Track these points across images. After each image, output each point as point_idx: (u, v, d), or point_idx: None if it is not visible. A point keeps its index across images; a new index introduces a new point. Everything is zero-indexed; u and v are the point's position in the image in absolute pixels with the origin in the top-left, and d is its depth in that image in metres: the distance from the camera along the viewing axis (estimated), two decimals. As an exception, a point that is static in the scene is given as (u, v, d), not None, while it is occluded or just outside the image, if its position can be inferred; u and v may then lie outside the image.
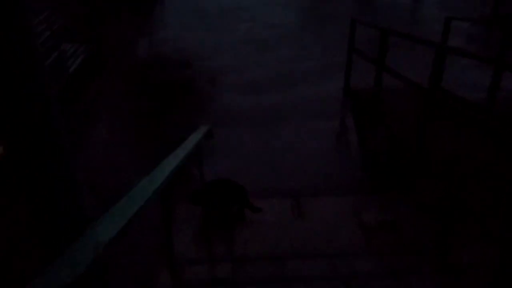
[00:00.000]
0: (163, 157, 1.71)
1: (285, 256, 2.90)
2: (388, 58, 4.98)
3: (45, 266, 0.68)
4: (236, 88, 6.97)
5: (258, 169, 4.54)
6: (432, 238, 3.04)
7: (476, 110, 3.80)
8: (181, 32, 9.90)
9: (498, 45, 4.65)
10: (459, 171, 3.56)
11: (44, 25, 5.95)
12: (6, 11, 0.71)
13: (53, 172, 0.78)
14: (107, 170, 4.41)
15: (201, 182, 2.72)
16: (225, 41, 9.30)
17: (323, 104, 6.26)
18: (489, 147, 3.85)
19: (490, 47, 7.91)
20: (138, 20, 10.50)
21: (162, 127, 5.59)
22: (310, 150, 4.96)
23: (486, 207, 3.13)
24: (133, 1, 11.30)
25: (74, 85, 6.15)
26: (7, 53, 0.71)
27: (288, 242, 3.10)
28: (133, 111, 6.17)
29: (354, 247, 3.02)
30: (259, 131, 5.49)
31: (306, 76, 7.35)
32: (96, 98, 6.55)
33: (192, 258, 2.91)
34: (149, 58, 8.56)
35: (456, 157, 3.74)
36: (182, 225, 3.24)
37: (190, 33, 9.87)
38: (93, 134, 5.59)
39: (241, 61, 8.20)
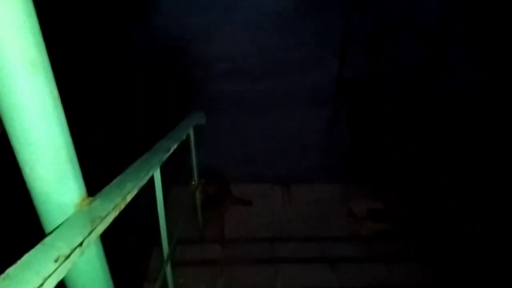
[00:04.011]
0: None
1: (273, 239, 2.96)
2: (382, 47, 5.00)
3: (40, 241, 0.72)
4: (229, 75, 6.95)
5: (249, 155, 4.58)
6: (419, 228, 3.12)
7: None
8: (176, 20, 9.80)
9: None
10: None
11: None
12: None
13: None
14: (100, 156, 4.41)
15: (194, 167, 2.75)
16: (219, 28, 9.24)
17: (315, 92, 6.28)
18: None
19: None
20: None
21: (155, 113, 5.58)
22: (301, 138, 5.01)
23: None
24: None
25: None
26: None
27: (277, 226, 3.16)
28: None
29: (342, 233, 3.09)
30: (251, 118, 5.51)
31: (300, 63, 7.36)
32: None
33: (184, 238, 2.97)
34: (144, 45, 8.47)
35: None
36: (175, 207, 3.29)
37: (184, 20, 9.77)
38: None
39: (235, 48, 8.17)
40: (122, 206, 0.96)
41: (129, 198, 1.02)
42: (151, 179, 1.45)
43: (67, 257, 0.66)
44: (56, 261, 0.64)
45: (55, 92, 0.79)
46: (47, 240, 0.71)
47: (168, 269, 1.82)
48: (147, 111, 5.70)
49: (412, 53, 5.82)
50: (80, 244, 0.71)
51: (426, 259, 2.71)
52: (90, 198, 0.94)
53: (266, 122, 5.41)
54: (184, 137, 1.99)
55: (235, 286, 2.49)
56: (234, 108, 5.81)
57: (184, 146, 2.63)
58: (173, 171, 3.53)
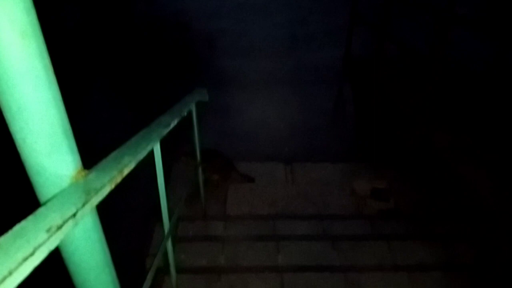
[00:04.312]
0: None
1: (275, 216, 2.97)
2: (391, 25, 4.87)
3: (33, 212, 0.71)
4: (234, 52, 6.87)
5: (252, 133, 4.57)
6: (422, 207, 3.12)
7: (477, 80, 3.78)
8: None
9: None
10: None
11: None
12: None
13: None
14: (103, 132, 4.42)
15: (197, 144, 2.74)
16: (224, 5, 9.08)
17: (321, 71, 6.20)
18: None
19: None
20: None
21: (158, 90, 5.55)
22: (306, 116, 4.97)
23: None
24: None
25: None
26: None
27: (280, 204, 3.17)
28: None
29: (344, 212, 3.09)
30: (255, 96, 5.47)
31: (305, 42, 7.24)
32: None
33: (186, 215, 3.00)
34: (146, 19, 8.36)
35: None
36: (177, 184, 3.31)
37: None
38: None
39: (240, 25, 8.04)
40: (119, 179, 0.96)
41: (126, 171, 1.01)
42: (151, 154, 1.45)
43: (59, 227, 0.65)
44: (48, 231, 0.63)
45: (47, 60, 0.77)
46: (39, 210, 0.70)
47: (169, 244, 1.83)
48: (148, 87, 5.67)
49: (420, 30, 5.69)
50: (74, 215, 0.71)
51: (429, 238, 2.71)
52: (86, 171, 0.93)
53: (270, 100, 5.37)
54: (186, 113, 1.97)
55: (237, 262, 2.51)
56: (237, 85, 5.76)
57: (187, 123, 2.62)
58: (176, 148, 3.58)
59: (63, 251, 0.93)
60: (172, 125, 1.59)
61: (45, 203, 0.74)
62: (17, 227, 0.63)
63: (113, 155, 1.08)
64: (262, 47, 7.04)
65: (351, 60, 6.10)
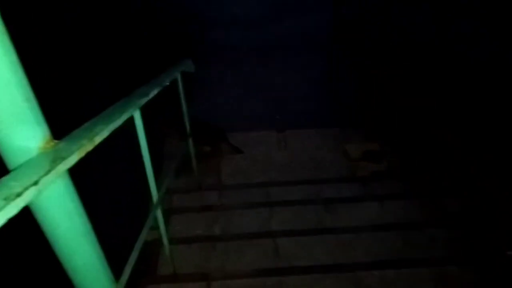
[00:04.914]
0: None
1: (269, 184, 2.99)
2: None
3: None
4: (221, 24, 6.70)
5: (244, 105, 4.52)
6: (413, 168, 3.13)
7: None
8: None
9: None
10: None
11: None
12: None
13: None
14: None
15: (185, 114, 2.71)
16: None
17: (310, 38, 6.06)
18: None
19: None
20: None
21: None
22: (297, 84, 4.91)
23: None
24: None
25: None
26: None
27: (273, 171, 3.18)
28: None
29: (337, 175, 3.10)
30: (245, 67, 5.37)
31: (292, 8, 7.04)
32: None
33: (181, 187, 3.02)
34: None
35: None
36: (171, 158, 3.30)
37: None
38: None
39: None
40: (89, 147, 0.94)
41: (98, 140, 0.99)
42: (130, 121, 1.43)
43: (19, 195, 0.64)
44: (5, 199, 0.62)
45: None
46: (1, 180, 0.69)
47: (159, 215, 1.84)
48: (138, 63, 5.55)
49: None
50: (35, 183, 0.69)
51: (420, 197, 2.73)
52: (56, 141, 0.91)
53: (260, 70, 5.28)
54: (168, 83, 1.93)
55: (231, 230, 2.53)
56: (227, 58, 5.65)
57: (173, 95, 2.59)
58: (170, 124, 3.54)
59: (39, 221, 0.92)
60: (152, 94, 1.56)
61: (9, 173, 0.72)
62: (-25, 197, 0.62)
63: (85, 125, 1.06)
64: (248, 17, 6.86)
65: (340, 22, 5.97)
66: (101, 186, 2.94)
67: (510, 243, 2.23)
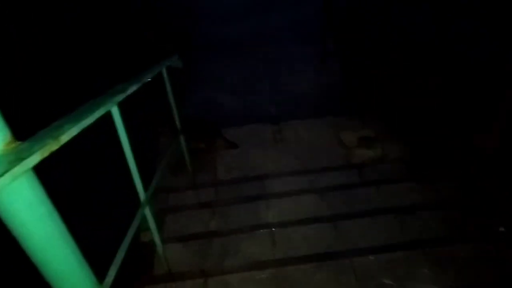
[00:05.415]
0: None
1: (265, 176, 2.95)
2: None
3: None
4: (213, 17, 6.64)
5: (238, 96, 4.48)
6: (408, 153, 3.08)
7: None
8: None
9: None
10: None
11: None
12: None
13: None
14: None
15: (174, 109, 2.68)
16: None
17: (303, 27, 6.00)
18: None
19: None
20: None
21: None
22: (290, 78, 4.85)
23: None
24: None
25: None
26: None
27: (269, 163, 3.15)
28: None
29: (333, 164, 3.06)
30: (239, 59, 5.32)
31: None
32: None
33: (175, 186, 2.99)
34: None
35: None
36: (166, 155, 3.27)
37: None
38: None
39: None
40: (54, 147, 0.90)
41: (64, 138, 0.96)
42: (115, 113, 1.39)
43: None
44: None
45: None
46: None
47: (148, 214, 1.80)
48: (138, 63, 5.50)
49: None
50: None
51: (415, 181, 2.69)
52: (19, 142, 0.87)
53: (254, 62, 5.23)
54: (149, 79, 1.89)
55: (228, 225, 2.50)
56: (220, 50, 5.60)
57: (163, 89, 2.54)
58: (163, 122, 3.50)
59: (9, 228, 0.88)
60: (130, 90, 1.52)
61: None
62: None
63: (54, 124, 1.03)
64: (240, 8, 6.81)
65: (333, 11, 5.87)
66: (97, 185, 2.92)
67: (502, 220, 2.19)
